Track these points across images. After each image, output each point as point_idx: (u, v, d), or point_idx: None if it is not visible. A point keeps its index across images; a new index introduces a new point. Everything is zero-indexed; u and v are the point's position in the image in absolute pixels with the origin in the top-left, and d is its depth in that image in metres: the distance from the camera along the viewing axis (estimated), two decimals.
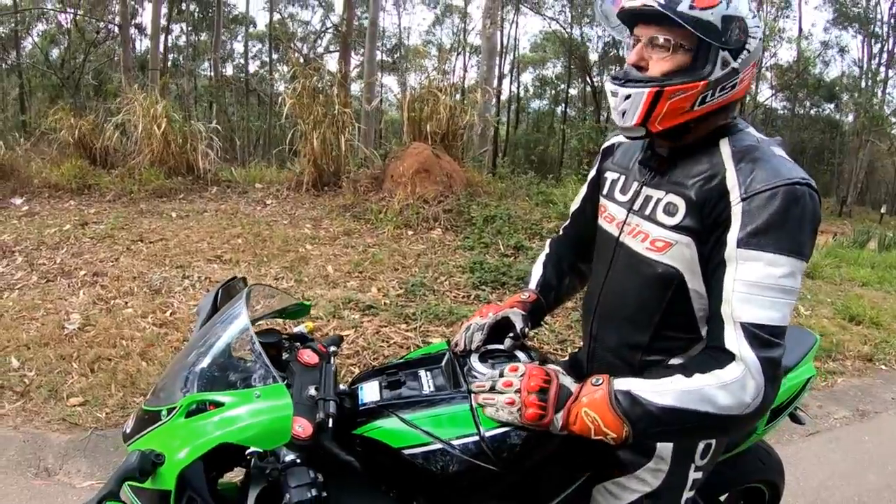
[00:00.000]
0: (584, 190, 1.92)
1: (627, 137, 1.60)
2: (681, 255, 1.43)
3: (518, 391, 1.39)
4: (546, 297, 1.93)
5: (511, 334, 1.73)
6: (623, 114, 1.43)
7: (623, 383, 1.35)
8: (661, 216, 1.47)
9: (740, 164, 1.37)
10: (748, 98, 27.99)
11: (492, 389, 1.43)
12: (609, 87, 1.47)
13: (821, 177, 29.13)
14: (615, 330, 1.65)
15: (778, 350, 1.29)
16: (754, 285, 1.29)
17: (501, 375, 1.44)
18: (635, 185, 1.59)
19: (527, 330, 1.77)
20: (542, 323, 2.45)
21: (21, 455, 3.30)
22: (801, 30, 27.83)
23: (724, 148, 1.43)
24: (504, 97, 31.34)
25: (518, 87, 36.32)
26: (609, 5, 1.51)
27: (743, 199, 1.32)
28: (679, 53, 1.37)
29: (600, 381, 1.37)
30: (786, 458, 2.32)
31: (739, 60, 1.38)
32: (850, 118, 29.51)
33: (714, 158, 1.42)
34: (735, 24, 1.34)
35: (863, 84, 27.65)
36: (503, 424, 1.40)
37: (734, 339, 1.30)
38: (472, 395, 1.47)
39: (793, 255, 1.29)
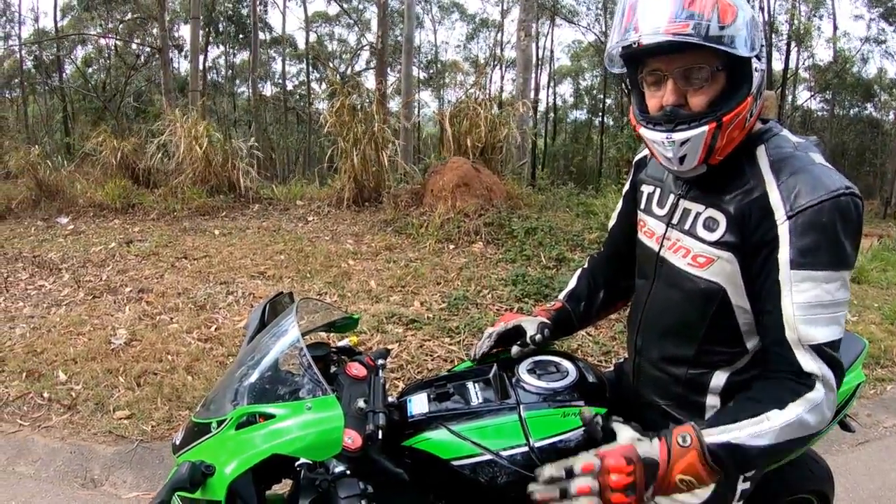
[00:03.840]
0: (619, 205, 1.88)
1: (685, 178, 1.48)
2: (723, 270, 1.40)
3: (599, 492, 1.24)
4: (574, 307, 1.92)
5: (518, 342, 1.77)
6: (682, 159, 1.36)
7: (718, 435, 1.27)
8: (701, 231, 1.44)
9: (781, 178, 1.32)
10: (787, 103, 27.51)
11: (563, 496, 1.27)
12: (655, 136, 1.37)
13: (863, 178, 28.42)
14: (659, 344, 1.61)
15: (840, 362, 1.29)
16: (815, 306, 1.27)
17: (570, 476, 1.27)
18: (672, 197, 1.55)
19: (539, 338, 1.75)
20: (582, 333, 2.41)
21: (68, 466, 3.39)
22: (835, 27, 27.20)
23: (761, 157, 1.38)
24: (542, 108, 31.27)
25: (555, 98, 36.32)
26: (615, 48, 1.39)
27: (789, 217, 1.28)
28: (718, 77, 1.31)
29: (688, 441, 1.26)
30: (836, 468, 2.26)
31: (763, 58, 1.32)
32: (892, 116, 28.87)
33: (752, 169, 1.38)
34: (754, 25, 1.28)
35: None
36: (553, 434, 1.40)
37: (810, 362, 1.27)
38: None
39: (842, 267, 1.28)
